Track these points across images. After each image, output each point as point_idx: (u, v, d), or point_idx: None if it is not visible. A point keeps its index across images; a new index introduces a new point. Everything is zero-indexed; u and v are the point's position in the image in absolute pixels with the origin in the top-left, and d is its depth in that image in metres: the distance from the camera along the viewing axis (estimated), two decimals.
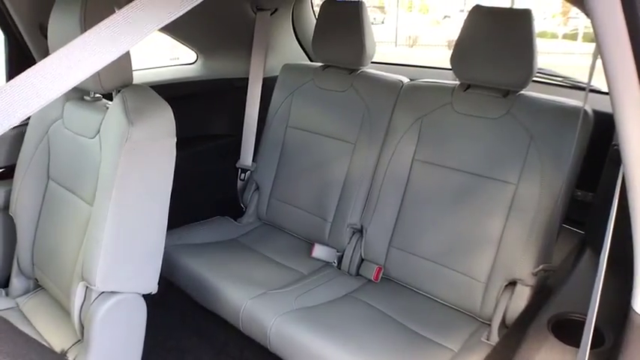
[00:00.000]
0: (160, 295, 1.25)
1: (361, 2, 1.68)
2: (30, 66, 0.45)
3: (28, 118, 1.38)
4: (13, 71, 1.54)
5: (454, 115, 1.49)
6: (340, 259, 1.68)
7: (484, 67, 1.41)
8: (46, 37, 1.25)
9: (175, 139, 1.17)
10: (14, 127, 1.46)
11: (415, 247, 1.53)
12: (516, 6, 1.44)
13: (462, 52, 1.45)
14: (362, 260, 1.65)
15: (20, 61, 1.52)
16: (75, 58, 0.49)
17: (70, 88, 0.47)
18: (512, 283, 1.34)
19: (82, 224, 1.18)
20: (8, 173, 1.43)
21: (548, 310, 0.95)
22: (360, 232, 1.67)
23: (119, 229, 1.11)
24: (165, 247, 1.62)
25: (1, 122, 0.44)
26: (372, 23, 1.77)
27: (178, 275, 1.62)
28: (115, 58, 0.50)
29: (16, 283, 1.42)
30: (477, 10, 1.41)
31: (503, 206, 1.38)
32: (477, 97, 1.47)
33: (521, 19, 1.34)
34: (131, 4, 0.51)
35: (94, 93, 1.29)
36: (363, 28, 1.67)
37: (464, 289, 1.43)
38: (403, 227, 1.57)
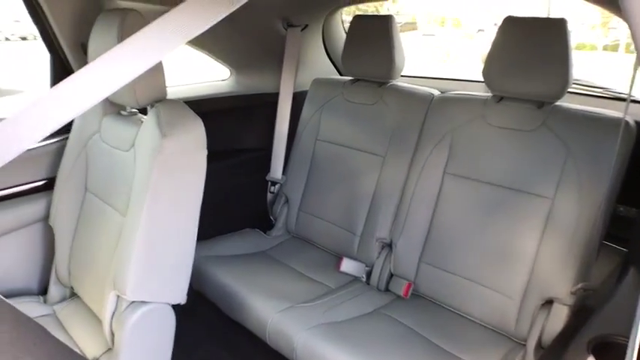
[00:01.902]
0: (189, 306, 1.27)
1: (391, 16, 1.68)
2: (67, 68, 0.47)
3: (69, 131, 1.45)
4: (56, 72, 1.60)
5: (487, 128, 1.46)
6: (369, 274, 1.66)
7: (518, 78, 1.37)
8: (87, 55, 1.31)
9: (206, 152, 1.19)
10: (56, 141, 1.53)
11: (446, 263, 1.49)
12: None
13: (495, 63, 1.42)
14: (391, 275, 1.62)
15: (64, 78, 1.59)
16: (105, 72, 0.51)
17: (102, 99, 0.48)
18: (549, 302, 1.29)
19: (115, 234, 1.22)
20: (50, 185, 1.49)
21: (588, 331, 0.90)
22: (389, 246, 1.64)
23: (150, 240, 1.13)
24: (195, 259, 1.65)
25: (36, 131, 0.46)
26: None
27: (207, 287, 1.64)
28: (143, 71, 0.51)
29: (54, 290, 1.46)
30: (509, 21, 1.39)
31: (538, 221, 1.33)
32: (510, 108, 1.43)
33: (556, 28, 1.30)
34: (158, 20, 0.52)
35: (130, 108, 1.34)
36: (392, 41, 1.67)
37: (497, 307, 1.38)
38: (434, 242, 1.53)
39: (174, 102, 1.22)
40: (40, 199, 1.49)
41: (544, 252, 1.31)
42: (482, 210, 1.44)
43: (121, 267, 1.14)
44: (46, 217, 1.49)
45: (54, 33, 1.48)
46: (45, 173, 1.51)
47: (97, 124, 1.38)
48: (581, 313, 1.19)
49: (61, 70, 1.58)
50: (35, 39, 1.60)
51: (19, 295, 1.46)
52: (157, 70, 1.20)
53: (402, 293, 1.56)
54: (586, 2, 1.32)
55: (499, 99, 1.46)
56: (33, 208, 1.48)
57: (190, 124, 1.17)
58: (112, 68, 0.50)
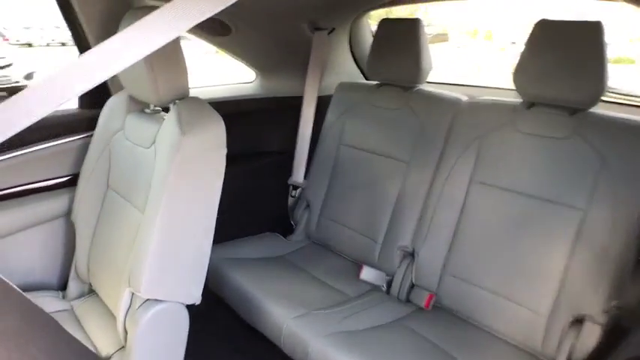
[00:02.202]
0: (205, 308, 1.25)
1: (418, 20, 1.65)
2: None
3: (94, 128, 1.46)
4: None
5: (516, 135, 1.40)
6: (390, 284, 1.61)
7: (549, 83, 1.31)
8: None
9: (226, 151, 1.18)
10: (81, 138, 1.55)
11: (471, 275, 1.43)
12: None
13: (526, 68, 1.36)
14: (413, 286, 1.56)
15: None
16: (114, 51, 0.50)
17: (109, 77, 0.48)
18: (580, 320, 1.21)
19: (133, 231, 1.21)
20: (74, 181, 1.51)
21: (622, 352, 0.84)
22: (411, 255, 1.59)
23: (166, 238, 1.12)
24: (214, 261, 1.63)
25: (46, 104, 0.46)
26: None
27: (225, 289, 1.62)
28: (153, 49, 0.50)
29: (73, 286, 1.47)
30: (543, 24, 1.33)
31: (569, 233, 1.26)
32: (541, 115, 1.37)
33: (591, 32, 1.24)
34: (161, 9, 0.52)
35: (154, 105, 1.34)
36: (419, 45, 1.63)
37: (523, 323, 1.31)
38: (458, 252, 1.47)
39: (196, 100, 1.22)
40: (64, 195, 1.51)
41: (575, 266, 1.24)
42: (509, 220, 1.38)
43: (136, 264, 1.13)
44: (68, 213, 1.50)
45: (84, 32, 1.51)
46: (69, 169, 1.53)
47: (120, 122, 1.39)
48: (615, 332, 1.11)
49: None
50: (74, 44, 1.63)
51: (39, 289, 1.48)
52: (180, 67, 1.20)
53: (423, 304, 1.50)
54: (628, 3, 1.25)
55: (530, 105, 1.40)
56: (56, 204, 1.50)
57: (210, 122, 1.16)
58: (121, 47, 0.49)
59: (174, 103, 1.21)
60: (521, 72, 1.37)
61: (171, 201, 1.11)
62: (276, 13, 1.80)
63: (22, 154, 1.44)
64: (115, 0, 1.46)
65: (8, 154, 1.41)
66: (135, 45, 0.49)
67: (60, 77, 0.47)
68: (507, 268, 1.36)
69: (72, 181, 1.52)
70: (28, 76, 6.14)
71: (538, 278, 1.30)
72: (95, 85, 0.48)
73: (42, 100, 0.47)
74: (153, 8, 1.19)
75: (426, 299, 1.50)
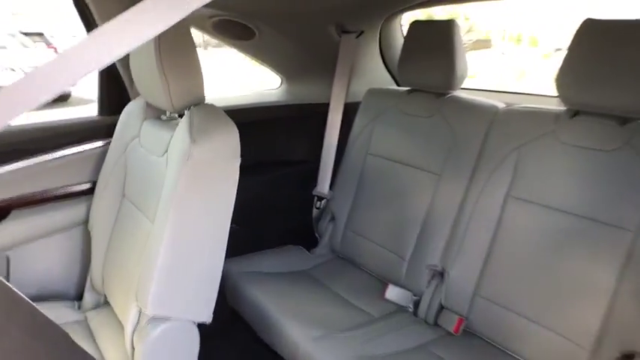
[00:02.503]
0: (223, 326, 1.18)
1: (453, 21, 1.54)
2: (113, 72, 0.41)
3: (111, 137, 1.43)
4: (103, 76, 1.61)
5: (558, 146, 1.27)
6: (417, 304, 1.50)
7: (597, 89, 1.18)
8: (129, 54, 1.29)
9: (239, 161, 1.12)
10: (101, 145, 1.53)
11: (505, 299, 1.31)
12: None
13: (570, 72, 1.23)
14: (442, 308, 1.45)
15: (109, 78, 1.59)
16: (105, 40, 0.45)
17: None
18: (629, 357, 1.06)
19: (144, 243, 1.17)
20: (93, 189, 1.49)
21: None
22: (440, 275, 1.47)
23: (174, 251, 1.07)
24: (233, 274, 1.57)
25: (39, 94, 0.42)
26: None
27: (243, 305, 1.55)
28: (142, 42, 0.45)
29: (88, 297, 1.44)
30: (589, 23, 1.20)
31: (617, 257, 1.11)
32: (586, 124, 1.23)
33: None
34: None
35: (170, 113, 1.30)
36: (454, 48, 1.52)
37: (564, 356, 1.17)
38: (492, 274, 1.35)
39: (210, 107, 1.17)
40: (82, 203, 1.49)
41: (623, 294, 1.09)
42: (549, 240, 1.24)
43: (143, 278, 1.08)
44: (86, 221, 1.48)
45: (96, 24, 1.49)
46: (88, 176, 1.51)
47: (137, 129, 1.35)
48: None
49: (106, 71, 1.59)
50: None
51: (55, 298, 1.46)
52: (194, 73, 1.15)
53: (452, 329, 1.39)
54: None
55: (574, 113, 1.27)
56: (74, 212, 1.48)
57: (223, 130, 1.11)
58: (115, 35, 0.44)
59: (189, 110, 1.16)
60: (565, 77, 1.24)
61: (179, 212, 1.06)
62: (300, 15, 1.74)
63: (41, 162, 1.43)
64: (131, 2, 1.44)
65: (27, 161, 1.40)
66: (132, 29, 0.44)
67: (58, 62, 0.43)
68: (546, 293, 1.23)
69: (91, 189, 1.50)
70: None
71: (581, 307, 1.16)
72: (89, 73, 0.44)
73: (39, 86, 0.42)
74: None
75: (455, 323, 1.38)
